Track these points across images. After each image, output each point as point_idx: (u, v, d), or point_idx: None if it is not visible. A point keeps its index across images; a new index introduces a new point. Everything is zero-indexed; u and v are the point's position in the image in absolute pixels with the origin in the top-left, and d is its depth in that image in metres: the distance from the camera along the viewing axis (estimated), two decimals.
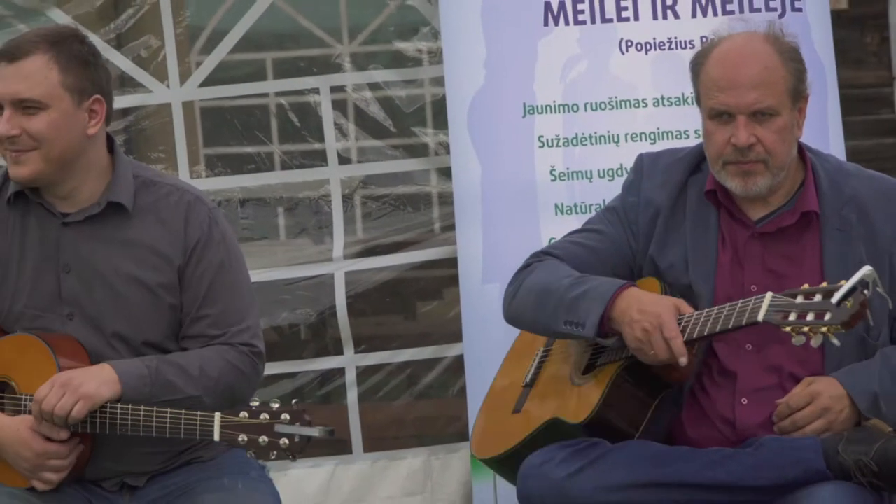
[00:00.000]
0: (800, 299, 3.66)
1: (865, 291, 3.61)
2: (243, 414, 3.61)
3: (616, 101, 4.94)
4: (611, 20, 4.94)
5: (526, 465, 3.91)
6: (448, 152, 5.09)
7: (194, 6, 5.37)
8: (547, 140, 4.95)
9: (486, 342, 4.85)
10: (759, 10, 4.87)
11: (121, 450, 3.76)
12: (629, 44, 4.94)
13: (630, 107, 4.94)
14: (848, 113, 5.12)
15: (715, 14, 4.90)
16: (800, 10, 4.92)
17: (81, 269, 3.84)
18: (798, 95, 3.85)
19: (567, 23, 4.94)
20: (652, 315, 3.81)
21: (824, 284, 3.67)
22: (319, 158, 5.29)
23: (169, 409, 3.69)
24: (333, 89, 5.26)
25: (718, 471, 3.76)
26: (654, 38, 4.93)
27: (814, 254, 3.91)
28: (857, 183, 3.94)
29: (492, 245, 4.95)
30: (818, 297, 3.62)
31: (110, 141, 3.92)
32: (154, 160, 5.19)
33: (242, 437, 3.58)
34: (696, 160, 4.00)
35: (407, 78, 5.26)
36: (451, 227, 5.11)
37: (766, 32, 3.90)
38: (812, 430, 3.75)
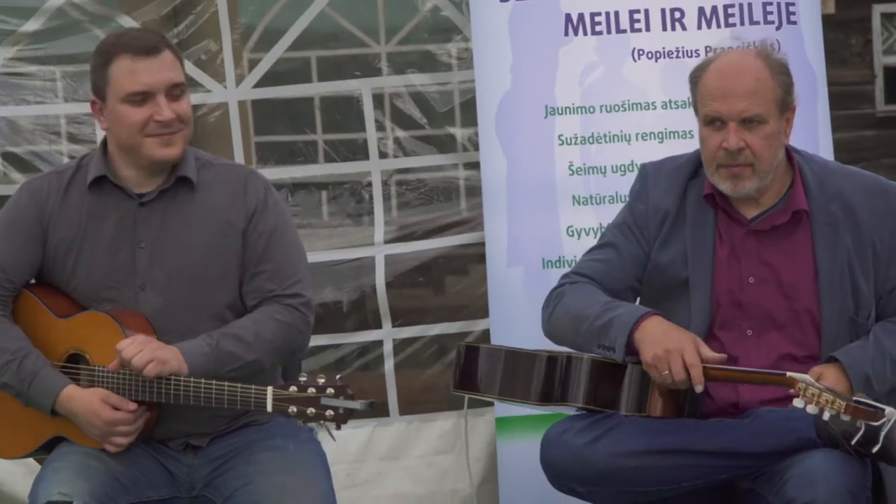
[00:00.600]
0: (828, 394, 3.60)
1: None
2: (293, 388, 3.65)
3: (628, 104, 4.96)
4: (625, 31, 4.95)
5: (548, 434, 3.93)
6: (475, 148, 5.14)
7: (249, 13, 5.35)
8: (566, 139, 4.97)
9: (510, 318, 4.93)
10: (758, 22, 4.89)
11: (186, 413, 3.80)
12: (641, 52, 4.96)
13: (641, 109, 4.96)
14: (833, 108, 5.11)
15: (718, 26, 4.91)
16: (795, 23, 4.92)
17: (154, 242, 3.86)
18: (785, 106, 3.88)
19: (585, 33, 4.96)
20: (676, 340, 3.79)
21: (864, 400, 3.59)
22: (360, 150, 5.31)
23: (226, 383, 3.72)
24: (375, 90, 5.26)
25: (721, 438, 3.80)
26: (664, 48, 4.95)
27: (806, 248, 3.94)
28: (840, 180, 3.96)
29: (516, 232, 4.96)
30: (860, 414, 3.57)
31: None
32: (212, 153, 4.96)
33: (292, 409, 3.64)
34: (694, 166, 4.00)
35: (440, 81, 5.28)
36: (479, 216, 5.11)
37: (759, 49, 3.93)
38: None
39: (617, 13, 4.98)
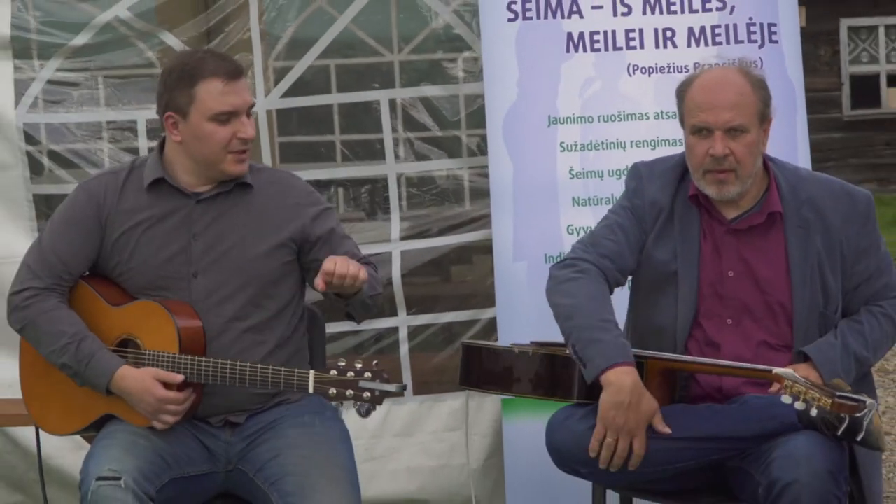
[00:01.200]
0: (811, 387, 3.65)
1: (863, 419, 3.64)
2: (333, 372, 3.71)
3: (624, 115, 5.05)
4: (621, 48, 5.05)
5: (552, 421, 3.99)
6: (483, 153, 5.20)
7: (276, 27, 5.36)
8: (567, 146, 5.06)
9: (515, 308, 5.01)
10: (742, 41, 4.98)
11: (229, 390, 3.87)
12: (635, 68, 5.06)
13: (635, 119, 5.04)
14: None
15: (706, 44, 5.01)
16: (776, 42, 5.01)
17: (208, 235, 3.95)
18: (764, 118, 3.98)
19: (585, 50, 5.04)
20: (634, 417, 3.75)
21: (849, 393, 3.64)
22: (377, 152, 5.33)
23: (271, 366, 3.78)
24: (391, 100, 5.29)
25: (710, 424, 3.87)
26: (656, 63, 5.04)
27: (779, 246, 4.02)
28: (810, 186, 4.04)
29: (521, 230, 5.04)
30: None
31: None
32: None
33: (332, 391, 3.71)
34: (682, 168, 4.07)
35: (451, 93, 5.31)
36: (486, 215, 5.17)
37: (739, 66, 4.02)
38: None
39: (614, 32, 5.05)
